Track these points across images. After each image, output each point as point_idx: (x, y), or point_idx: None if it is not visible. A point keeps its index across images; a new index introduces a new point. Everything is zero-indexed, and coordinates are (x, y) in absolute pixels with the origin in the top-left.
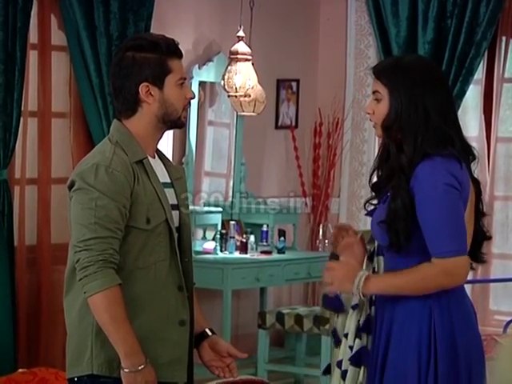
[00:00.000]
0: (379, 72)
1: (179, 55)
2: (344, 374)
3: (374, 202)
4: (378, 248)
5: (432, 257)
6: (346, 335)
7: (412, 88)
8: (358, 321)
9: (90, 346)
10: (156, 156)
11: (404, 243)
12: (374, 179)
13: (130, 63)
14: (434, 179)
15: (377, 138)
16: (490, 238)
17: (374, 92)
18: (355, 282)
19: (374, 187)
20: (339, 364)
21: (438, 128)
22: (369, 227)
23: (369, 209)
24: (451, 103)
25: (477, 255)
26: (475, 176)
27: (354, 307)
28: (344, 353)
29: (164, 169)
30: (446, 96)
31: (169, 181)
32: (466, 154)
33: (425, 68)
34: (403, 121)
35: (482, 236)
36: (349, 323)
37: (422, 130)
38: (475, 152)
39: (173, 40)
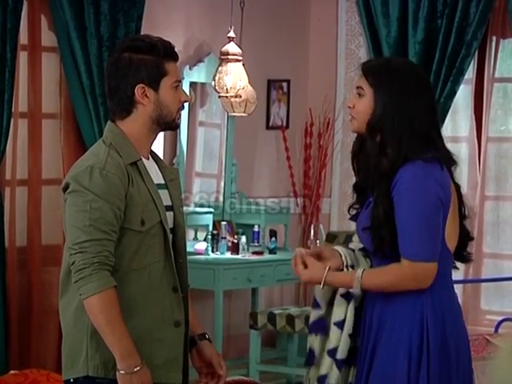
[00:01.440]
0: (367, 70)
1: (175, 58)
2: (340, 364)
3: (357, 206)
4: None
5: (402, 258)
6: (338, 323)
7: (398, 92)
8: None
9: (85, 347)
10: (150, 157)
11: (388, 249)
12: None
13: (126, 64)
14: (416, 184)
15: None
16: (472, 238)
17: (357, 87)
18: (357, 275)
19: (356, 188)
20: (332, 353)
21: (422, 133)
22: None
23: (352, 213)
24: (435, 109)
25: (463, 255)
26: (457, 180)
27: (344, 296)
28: (340, 341)
29: (158, 170)
30: (430, 101)
31: (163, 182)
32: (448, 158)
33: (412, 73)
34: (387, 124)
35: (465, 237)
36: (340, 311)
37: (406, 135)
38: (455, 158)
39: (169, 43)
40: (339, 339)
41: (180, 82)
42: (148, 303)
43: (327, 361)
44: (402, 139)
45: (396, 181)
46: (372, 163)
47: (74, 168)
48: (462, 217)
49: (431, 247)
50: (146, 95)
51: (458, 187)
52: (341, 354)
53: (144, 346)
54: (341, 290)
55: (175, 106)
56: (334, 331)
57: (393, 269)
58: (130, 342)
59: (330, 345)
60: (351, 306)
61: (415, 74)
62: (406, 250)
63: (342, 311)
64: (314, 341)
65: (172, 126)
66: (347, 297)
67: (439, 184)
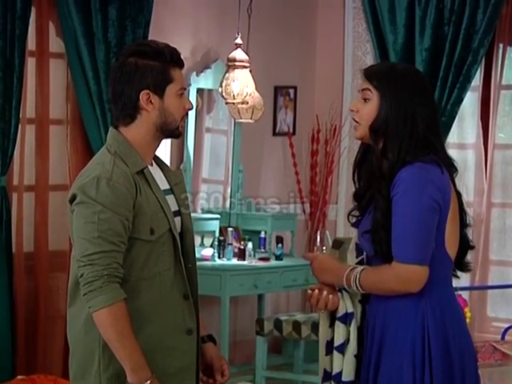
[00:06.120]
0: (372, 74)
1: (181, 65)
2: None
3: (357, 213)
4: (367, 259)
5: (394, 260)
6: (338, 348)
7: (403, 97)
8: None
9: (97, 359)
10: (153, 163)
11: (388, 252)
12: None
13: (132, 69)
14: (413, 186)
15: None
16: (473, 247)
17: (363, 90)
18: (353, 276)
19: (356, 196)
20: (337, 378)
21: (423, 138)
22: None
23: (352, 221)
24: (437, 115)
25: (462, 264)
26: (459, 187)
27: (341, 319)
28: (343, 365)
29: (163, 175)
30: (433, 108)
31: (168, 187)
32: (448, 164)
33: (417, 78)
34: (390, 128)
35: (466, 246)
36: (339, 334)
37: (407, 139)
38: (456, 164)
39: (175, 49)
40: (341, 364)
41: (185, 89)
42: (160, 312)
43: None
44: (403, 143)
45: (394, 182)
46: (375, 166)
47: (80, 178)
48: (464, 225)
49: (423, 251)
50: (150, 101)
51: (459, 195)
52: (346, 376)
53: (157, 355)
54: (338, 313)
55: (179, 114)
56: (335, 356)
57: (385, 268)
58: (141, 355)
59: (334, 370)
60: (353, 327)
61: (419, 79)
62: (398, 252)
63: (342, 334)
64: (328, 362)
65: (175, 134)
66: (345, 320)
67: (437, 186)
